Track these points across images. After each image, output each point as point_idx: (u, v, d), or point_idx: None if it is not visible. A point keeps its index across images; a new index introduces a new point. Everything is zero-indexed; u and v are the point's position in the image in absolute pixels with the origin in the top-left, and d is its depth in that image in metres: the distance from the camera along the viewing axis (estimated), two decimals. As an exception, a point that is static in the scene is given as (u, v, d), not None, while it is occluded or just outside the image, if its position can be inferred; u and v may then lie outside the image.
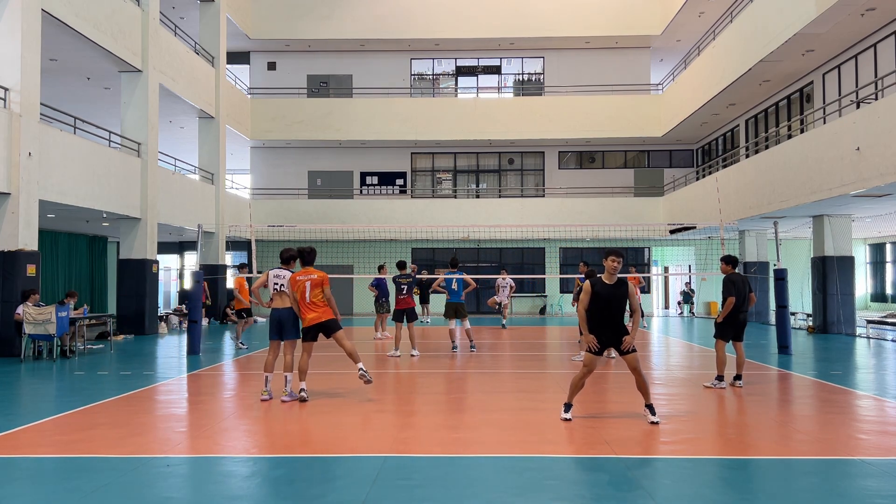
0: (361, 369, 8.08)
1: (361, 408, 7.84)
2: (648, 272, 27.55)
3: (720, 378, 9.05)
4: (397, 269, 13.39)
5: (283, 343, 8.35)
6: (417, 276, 13.21)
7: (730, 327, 9.19)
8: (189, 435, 6.52)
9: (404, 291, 12.68)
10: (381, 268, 15.81)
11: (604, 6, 26.26)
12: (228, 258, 24.79)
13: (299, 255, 8.24)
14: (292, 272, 8.39)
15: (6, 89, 12.54)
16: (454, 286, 12.95)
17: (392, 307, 13.98)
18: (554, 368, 11.13)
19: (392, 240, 25.95)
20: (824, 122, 16.63)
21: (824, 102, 17.70)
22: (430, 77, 28.18)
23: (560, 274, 26.07)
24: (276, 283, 8.37)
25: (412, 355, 12.53)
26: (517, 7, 26.26)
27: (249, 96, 26.86)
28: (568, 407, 7.00)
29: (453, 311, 12.96)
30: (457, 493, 4.76)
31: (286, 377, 8.23)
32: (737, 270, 9.39)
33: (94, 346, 14.47)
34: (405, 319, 12.67)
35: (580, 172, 28.01)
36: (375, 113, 26.42)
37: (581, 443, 6.09)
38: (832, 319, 17.14)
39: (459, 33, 26.30)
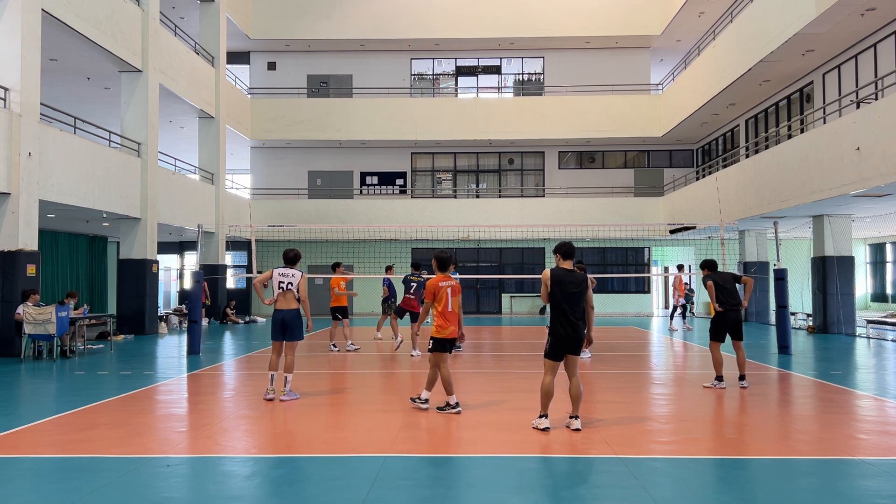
0: (450, 404, 7.36)
1: (361, 408, 7.84)
2: (648, 272, 27.57)
3: (719, 378, 9.02)
4: (411, 269, 13.49)
5: (284, 344, 8.28)
6: (422, 276, 13.26)
7: (721, 327, 9.09)
8: (189, 435, 6.52)
9: (412, 291, 12.78)
10: (388, 269, 15.74)
11: (604, 6, 26.26)
12: (228, 258, 24.79)
13: (437, 259, 7.52)
14: (301, 272, 8.32)
15: (6, 89, 12.54)
16: None
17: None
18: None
19: (392, 240, 25.95)
20: (824, 122, 16.63)
21: (824, 102, 17.70)
22: (430, 77, 28.17)
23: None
24: (282, 283, 8.20)
25: (412, 355, 12.54)
26: (517, 7, 26.26)
27: (249, 96, 26.85)
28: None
29: None
30: (457, 493, 4.76)
31: (286, 377, 8.23)
32: (718, 271, 9.46)
33: (94, 346, 14.46)
34: (409, 319, 12.81)
35: (580, 172, 28.00)
36: (375, 113, 26.42)
37: (581, 443, 6.09)
38: (832, 319, 17.14)
39: (459, 33, 26.30)
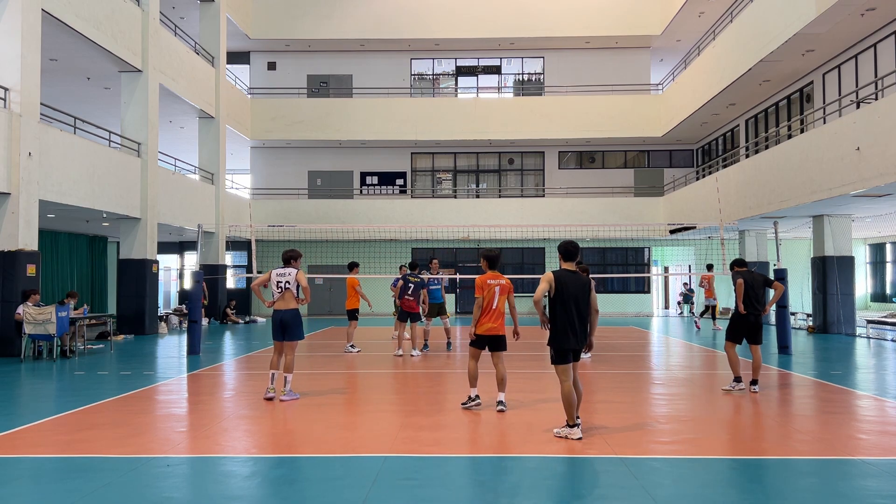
0: (501, 402, 7.52)
1: (361, 408, 7.84)
2: (648, 272, 27.56)
3: (738, 380, 8.72)
4: (408, 269, 13.48)
5: (284, 343, 8.30)
6: (420, 277, 13.25)
7: (739, 329, 8.80)
8: (189, 435, 6.52)
9: (410, 292, 12.76)
10: (401, 268, 15.75)
11: (604, 6, 26.26)
12: (228, 258, 24.79)
13: (487, 258, 7.78)
14: (298, 269, 8.35)
15: (6, 89, 12.54)
16: (435, 286, 13.50)
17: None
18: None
19: (392, 240, 25.95)
20: (824, 122, 16.62)
21: (824, 102, 17.70)
22: (430, 77, 28.17)
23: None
24: (280, 282, 8.25)
25: (412, 355, 12.55)
26: (517, 7, 26.26)
27: (249, 96, 26.85)
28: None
29: (436, 311, 13.47)
30: (457, 493, 4.76)
31: (286, 377, 8.24)
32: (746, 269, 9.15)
33: (94, 346, 14.46)
34: (409, 320, 12.79)
35: (580, 172, 28.00)
36: (375, 113, 26.42)
37: (581, 443, 6.08)
38: (832, 319, 17.14)
39: (459, 33, 26.30)
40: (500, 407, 7.47)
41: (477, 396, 7.66)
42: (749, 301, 8.76)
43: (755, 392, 8.62)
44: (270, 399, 8.14)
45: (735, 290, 8.78)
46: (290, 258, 8.44)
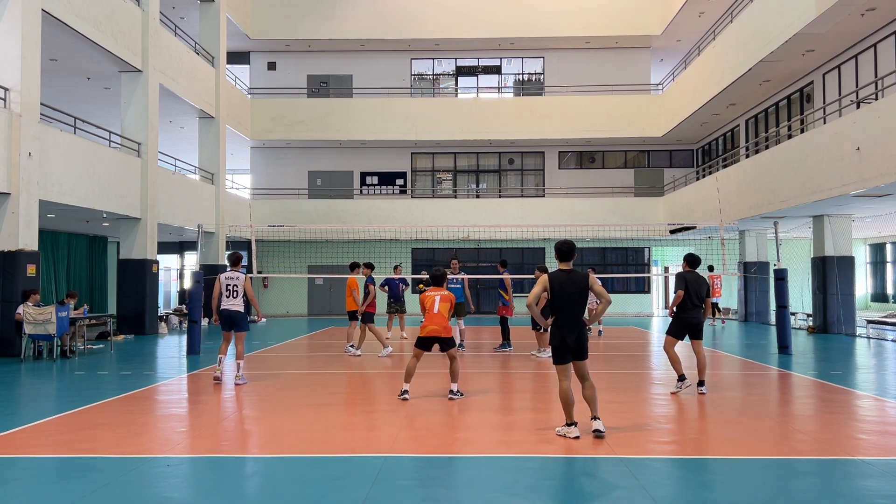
0: (452, 391, 8.26)
1: (361, 408, 7.85)
2: (648, 272, 27.56)
3: (682, 378, 8.51)
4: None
5: (234, 335, 9.46)
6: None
7: (681, 327, 8.61)
8: (189, 435, 6.52)
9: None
10: (395, 268, 15.71)
11: (604, 6, 26.25)
12: (228, 258, 24.76)
13: (432, 277, 8.62)
14: (245, 274, 9.41)
15: (6, 89, 12.53)
16: (455, 285, 13.45)
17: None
18: (553, 368, 11.11)
19: (392, 240, 25.94)
20: (824, 122, 16.62)
21: (824, 102, 17.69)
22: (430, 77, 28.17)
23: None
24: (229, 285, 9.39)
25: (379, 356, 12.57)
26: (517, 7, 26.25)
27: (249, 96, 26.85)
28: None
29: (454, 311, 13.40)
30: (457, 493, 4.76)
31: (239, 364, 9.28)
32: (697, 271, 8.84)
33: (94, 346, 14.46)
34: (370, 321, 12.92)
35: (580, 172, 28.00)
36: (375, 113, 26.42)
37: (581, 443, 6.08)
38: (832, 319, 17.14)
39: (459, 33, 26.29)
40: (451, 395, 8.19)
41: (407, 391, 8.18)
42: (690, 301, 8.50)
43: (703, 394, 8.41)
44: (218, 378, 9.36)
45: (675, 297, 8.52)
46: (237, 260, 9.53)
